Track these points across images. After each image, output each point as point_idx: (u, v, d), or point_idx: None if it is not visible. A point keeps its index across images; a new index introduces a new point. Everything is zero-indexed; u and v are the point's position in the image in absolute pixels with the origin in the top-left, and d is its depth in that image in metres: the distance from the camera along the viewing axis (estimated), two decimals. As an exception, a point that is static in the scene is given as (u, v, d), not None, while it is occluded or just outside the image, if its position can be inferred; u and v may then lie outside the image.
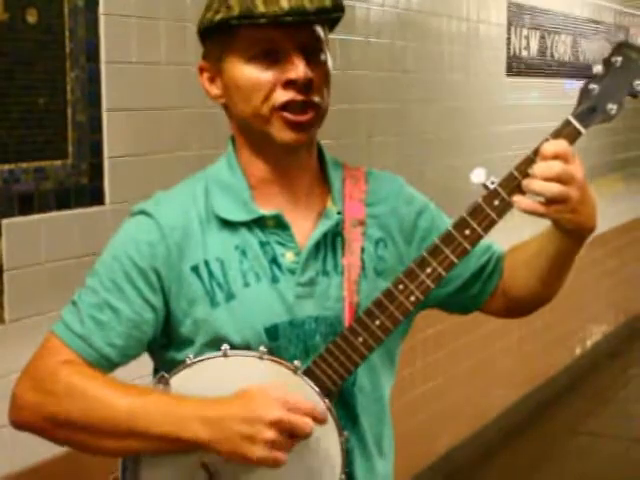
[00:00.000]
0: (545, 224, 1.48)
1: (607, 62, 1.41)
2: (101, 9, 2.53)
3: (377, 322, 1.44)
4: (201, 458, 1.43)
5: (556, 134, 1.39)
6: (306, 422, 1.37)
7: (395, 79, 3.98)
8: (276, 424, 1.35)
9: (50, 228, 2.43)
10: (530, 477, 4.77)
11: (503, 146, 4.73)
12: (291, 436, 1.37)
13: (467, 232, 1.41)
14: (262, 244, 1.51)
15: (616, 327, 7.02)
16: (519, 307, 1.68)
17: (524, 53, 5.15)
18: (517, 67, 5.07)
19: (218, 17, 1.48)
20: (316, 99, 1.48)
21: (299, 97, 1.46)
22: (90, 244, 2.52)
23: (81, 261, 2.50)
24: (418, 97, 4.18)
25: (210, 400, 1.39)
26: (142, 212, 1.53)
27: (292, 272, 1.51)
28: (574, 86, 5.81)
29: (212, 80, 1.56)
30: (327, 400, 1.44)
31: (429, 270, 1.43)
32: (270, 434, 1.35)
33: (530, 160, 1.38)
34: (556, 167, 1.35)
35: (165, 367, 1.50)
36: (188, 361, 1.46)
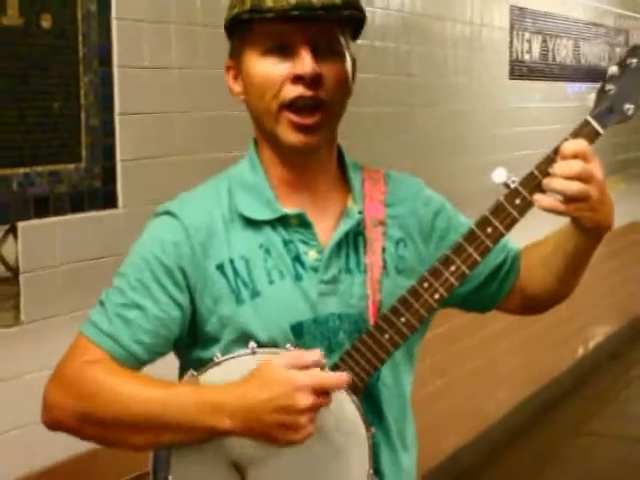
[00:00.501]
0: (563, 221, 1.51)
1: (622, 64, 1.45)
2: (113, 14, 2.55)
3: (403, 319, 1.47)
4: (230, 455, 1.45)
5: (575, 134, 1.41)
6: (330, 398, 1.40)
7: (400, 83, 4.00)
8: (308, 410, 1.37)
9: (64, 231, 2.45)
10: (534, 477, 4.79)
11: (506, 148, 4.76)
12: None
13: (489, 230, 1.44)
14: (285, 242, 1.53)
15: (618, 328, 7.03)
16: (536, 304, 1.70)
17: (526, 57, 5.18)
18: (519, 70, 5.10)
19: (234, 12, 1.51)
20: (325, 96, 1.49)
21: (307, 93, 1.47)
22: (103, 247, 2.55)
23: (95, 263, 2.53)
24: (422, 100, 4.21)
25: (242, 388, 1.39)
26: (167, 212, 1.55)
27: (315, 270, 1.53)
28: (576, 89, 5.84)
29: (236, 78, 1.58)
30: (355, 397, 1.47)
31: (453, 268, 1.45)
32: (303, 419, 1.36)
33: (550, 159, 1.40)
34: (576, 166, 1.37)
35: (191, 365, 1.51)
36: (216, 359, 1.47)
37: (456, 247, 1.46)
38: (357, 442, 1.49)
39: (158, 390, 1.43)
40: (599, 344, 6.71)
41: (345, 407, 1.47)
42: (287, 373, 1.37)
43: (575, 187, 1.38)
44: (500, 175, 1.42)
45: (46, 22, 2.37)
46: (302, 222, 1.54)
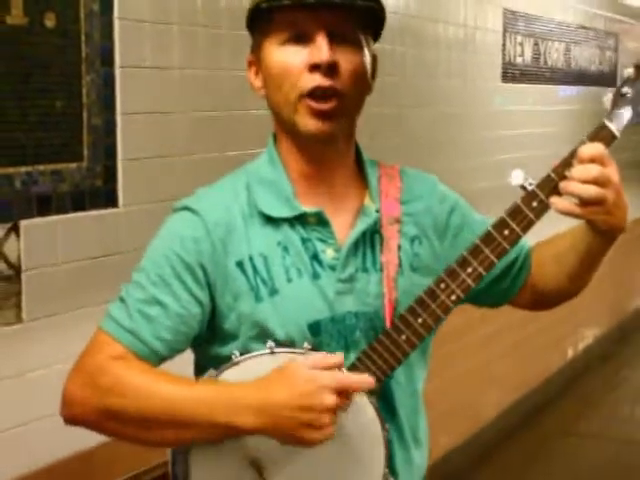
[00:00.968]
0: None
1: (638, 67, 1.46)
2: (116, 14, 2.55)
3: (420, 320, 1.48)
4: (249, 454, 1.45)
5: (592, 137, 1.42)
6: (351, 400, 1.42)
7: (393, 84, 4.02)
8: (332, 410, 1.38)
9: (66, 230, 2.45)
10: (526, 478, 4.81)
11: (498, 150, 4.77)
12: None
13: (506, 232, 1.45)
14: (303, 240, 1.54)
15: (608, 330, 7.08)
16: (546, 300, 1.73)
17: (519, 60, 5.20)
18: (512, 73, 5.12)
19: (254, 3, 1.53)
20: (340, 86, 1.49)
21: (325, 83, 1.48)
22: (104, 245, 2.56)
23: (96, 262, 2.53)
24: (415, 102, 4.22)
25: (267, 386, 1.40)
26: (186, 208, 1.55)
27: (332, 268, 1.54)
28: (567, 92, 5.87)
29: (257, 74, 1.58)
30: (373, 398, 1.49)
31: (470, 270, 1.47)
32: (327, 419, 1.37)
33: (567, 163, 1.41)
34: (593, 170, 1.39)
35: (208, 361, 1.52)
36: (235, 359, 1.47)
37: (473, 248, 1.47)
38: (374, 443, 1.50)
39: (182, 387, 1.43)
40: (589, 346, 6.74)
41: (364, 408, 1.48)
42: (312, 372, 1.38)
43: (592, 191, 1.39)
44: (517, 177, 1.44)
45: (50, 21, 2.37)
46: (320, 220, 1.55)
